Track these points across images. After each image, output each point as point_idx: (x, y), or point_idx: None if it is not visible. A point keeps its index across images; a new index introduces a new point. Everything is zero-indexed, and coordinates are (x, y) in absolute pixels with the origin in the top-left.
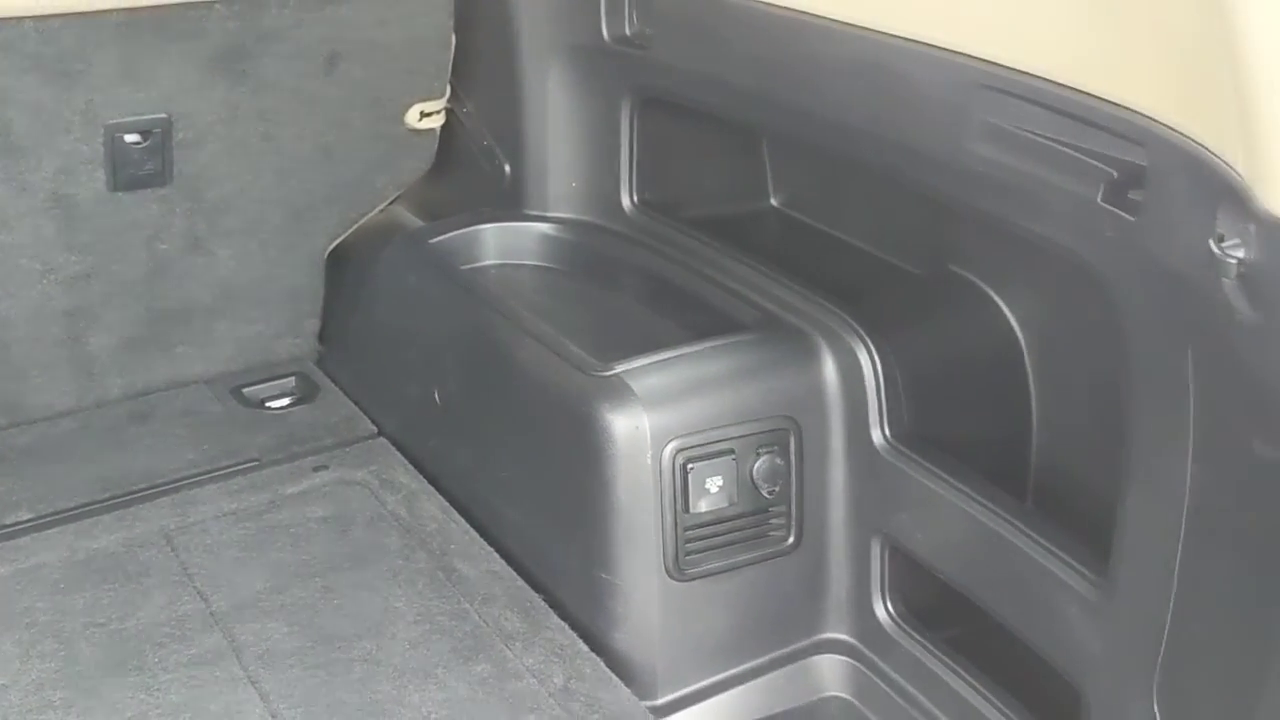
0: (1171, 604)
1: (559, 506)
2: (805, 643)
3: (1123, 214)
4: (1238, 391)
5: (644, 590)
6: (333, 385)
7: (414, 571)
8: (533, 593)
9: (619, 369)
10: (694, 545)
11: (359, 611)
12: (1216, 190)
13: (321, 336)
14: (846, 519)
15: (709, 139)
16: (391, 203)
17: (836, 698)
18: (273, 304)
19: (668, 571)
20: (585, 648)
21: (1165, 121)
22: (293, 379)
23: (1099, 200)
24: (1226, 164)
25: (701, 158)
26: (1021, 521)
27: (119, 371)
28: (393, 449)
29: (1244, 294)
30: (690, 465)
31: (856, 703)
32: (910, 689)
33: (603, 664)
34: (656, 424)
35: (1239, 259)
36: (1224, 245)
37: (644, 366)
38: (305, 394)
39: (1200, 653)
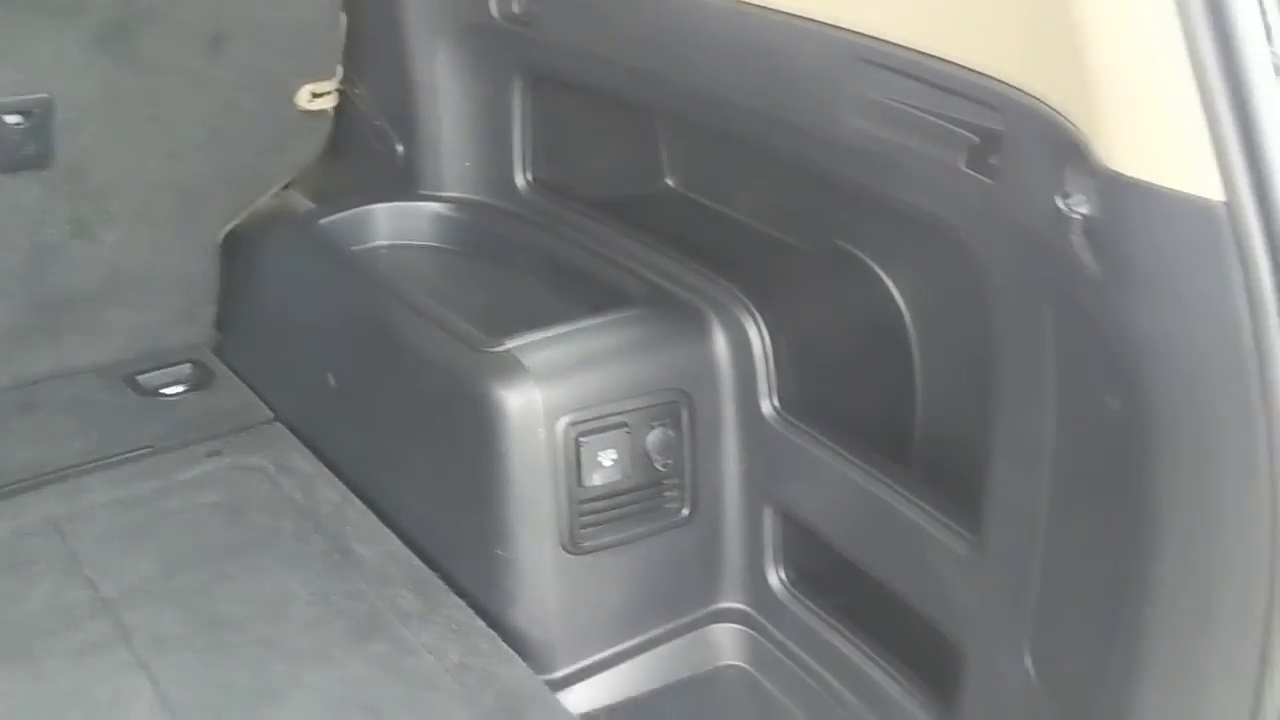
0: (1040, 560)
1: (454, 484)
2: (701, 612)
3: (983, 178)
4: (1091, 348)
5: (540, 565)
6: (229, 371)
7: (310, 554)
8: (429, 572)
9: (510, 345)
10: (589, 519)
11: (253, 595)
12: (1063, 149)
13: (219, 323)
14: (739, 489)
15: (603, 119)
16: (287, 187)
17: (733, 665)
18: (165, 290)
19: (563, 546)
20: (482, 624)
21: (1015, 84)
22: (188, 366)
23: (962, 167)
24: (1070, 123)
25: (596, 138)
26: (900, 485)
27: (3, 361)
28: (289, 434)
29: (1089, 249)
30: (583, 439)
31: (752, 670)
32: (803, 655)
33: (499, 639)
34: (549, 399)
35: (1083, 215)
36: (1069, 201)
37: (535, 342)
38: (201, 381)
39: (1069, 607)
